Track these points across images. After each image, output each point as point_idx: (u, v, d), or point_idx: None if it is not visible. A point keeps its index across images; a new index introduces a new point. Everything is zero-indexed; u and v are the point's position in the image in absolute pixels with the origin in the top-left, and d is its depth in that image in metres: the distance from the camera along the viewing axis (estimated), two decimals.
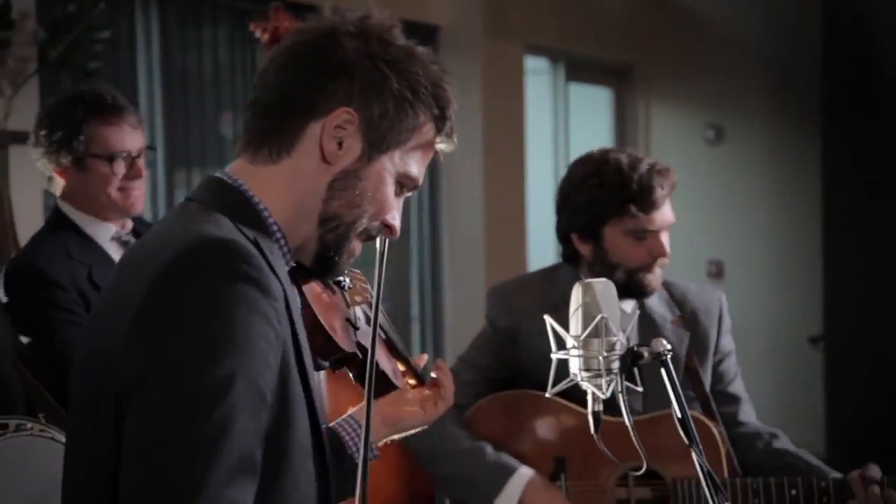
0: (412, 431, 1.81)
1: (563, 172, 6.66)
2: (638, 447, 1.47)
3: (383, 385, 1.69)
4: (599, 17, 6.10)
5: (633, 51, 6.40)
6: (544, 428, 2.51)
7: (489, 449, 2.50)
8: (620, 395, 1.49)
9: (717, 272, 6.47)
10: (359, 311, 1.61)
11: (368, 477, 1.38)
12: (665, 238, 2.49)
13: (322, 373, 1.76)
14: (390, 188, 1.45)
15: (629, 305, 2.53)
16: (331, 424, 1.67)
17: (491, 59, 5.32)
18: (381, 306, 1.49)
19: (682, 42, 6.48)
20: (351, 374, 1.62)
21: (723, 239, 6.51)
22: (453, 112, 1.48)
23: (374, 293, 1.45)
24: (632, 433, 1.48)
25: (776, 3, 6.26)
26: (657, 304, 2.56)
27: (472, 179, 5.35)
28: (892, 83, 5.46)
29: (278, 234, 1.41)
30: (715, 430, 2.42)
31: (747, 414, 2.63)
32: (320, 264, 1.46)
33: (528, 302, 2.55)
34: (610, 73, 6.52)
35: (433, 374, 1.85)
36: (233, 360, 1.25)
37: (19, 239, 3.33)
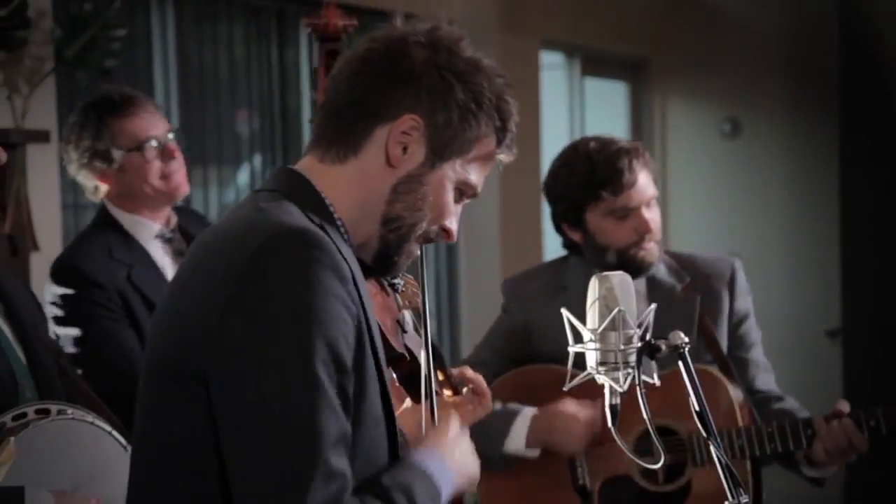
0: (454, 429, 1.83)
1: None
2: (652, 436, 1.47)
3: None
4: (615, 11, 6.08)
5: (649, 45, 6.38)
6: (560, 399, 2.50)
7: (496, 403, 2.49)
8: (638, 389, 1.49)
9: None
10: (407, 316, 1.66)
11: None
12: (650, 213, 2.53)
13: None
14: (450, 194, 1.53)
15: (639, 284, 2.54)
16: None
17: (506, 53, 5.31)
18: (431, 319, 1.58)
19: (698, 36, 6.46)
20: (395, 376, 1.66)
21: (739, 233, 6.49)
22: (515, 124, 1.55)
23: (422, 299, 1.55)
24: (649, 426, 1.47)
25: None
26: (665, 274, 2.60)
27: (488, 174, 5.34)
28: None
29: (343, 230, 1.48)
30: (725, 381, 2.45)
31: (764, 381, 2.64)
32: (380, 263, 1.54)
33: (537, 287, 2.63)
34: (626, 67, 6.50)
35: (467, 387, 1.93)
36: (319, 346, 1.33)
37: (37, 237, 3.34)
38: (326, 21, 2.57)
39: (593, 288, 1.51)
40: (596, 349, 1.48)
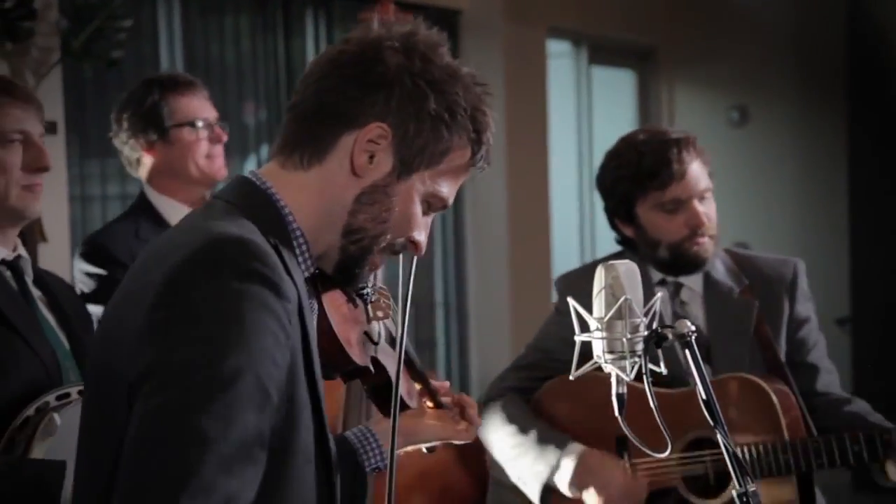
0: (430, 444, 1.80)
1: (586, 156, 6.65)
2: (662, 429, 1.47)
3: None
4: None
5: (657, 33, 6.36)
6: (607, 408, 2.43)
7: (543, 430, 2.48)
8: (645, 377, 1.48)
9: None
10: (381, 327, 1.61)
11: (395, 484, 1.39)
12: (703, 206, 2.46)
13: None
14: (418, 207, 1.47)
15: (695, 281, 2.51)
16: (344, 433, 1.69)
17: (513, 42, 5.29)
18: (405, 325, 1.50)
19: (705, 23, 6.43)
20: (365, 388, 1.63)
21: (748, 221, 6.47)
22: (490, 137, 1.48)
23: (401, 311, 1.47)
24: (656, 415, 1.47)
25: None
26: (723, 275, 2.53)
27: (495, 164, 5.32)
28: None
29: (301, 240, 1.43)
30: (768, 389, 2.37)
31: (826, 384, 2.54)
32: (341, 274, 1.48)
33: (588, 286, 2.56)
34: (633, 55, 6.49)
35: (448, 400, 1.84)
36: (239, 357, 1.25)
37: (45, 228, 3.35)
38: (381, 17, 2.58)
39: (599, 277, 1.50)
40: (602, 338, 1.48)
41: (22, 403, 1.86)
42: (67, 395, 1.89)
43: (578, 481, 2.43)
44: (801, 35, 6.27)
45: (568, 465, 2.44)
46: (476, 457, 2.69)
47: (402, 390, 1.66)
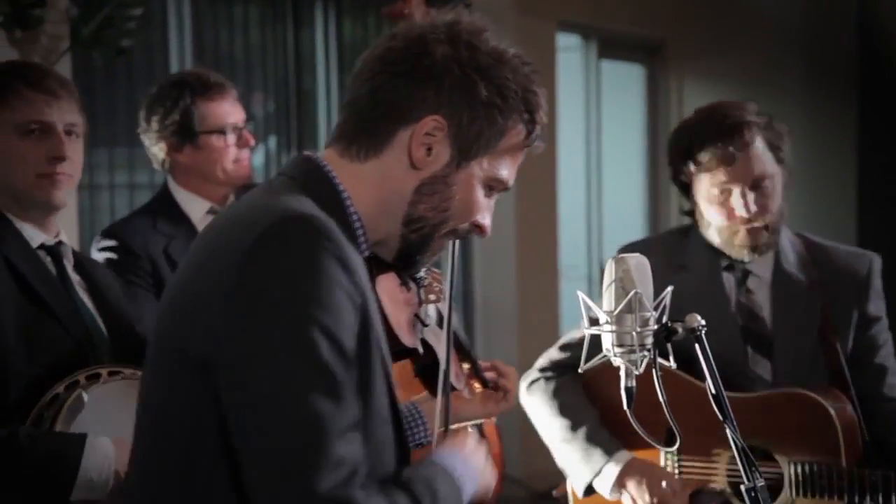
0: (469, 423, 1.86)
1: (594, 150, 6.62)
2: (672, 424, 1.46)
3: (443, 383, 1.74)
4: None
5: (666, 27, 6.35)
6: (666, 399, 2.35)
7: (595, 425, 2.46)
8: (654, 371, 1.48)
9: None
10: (432, 310, 1.65)
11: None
12: (756, 194, 2.33)
13: None
14: (479, 192, 1.49)
15: (764, 269, 2.43)
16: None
17: (522, 36, 5.28)
18: (453, 308, 1.57)
19: (715, 18, 6.42)
20: (413, 368, 1.68)
21: None
22: (543, 115, 1.51)
23: (447, 295, 1.53)
24: (665, 409, 1.47)
25: None
26: (793, 265, 2.44)
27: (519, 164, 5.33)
28: None
29: (358, 224, 1.47)
30: (832, 411, 2.28)
31: (893, 387, 2.44)
32: (401, 261, 1.52)
33: (653, 263, 2.45)
34: (642, 49, 6.47)
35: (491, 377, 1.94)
36: (327, 333, 1.31)
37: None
38: (405, 10, 2.57)
39: (609, 270, 1.50)
40: (612, 331, 1.47)
41: (53, 381, 1.92)
42: (98, 374, 1.95)
43: (620, 485, 2.43)
44: (810, 30, 6.25)
45: (611, 472, 2.43)
46: (495, 450, 2.69)
47: (453, 371, 1.72)
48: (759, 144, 2.34)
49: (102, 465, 1.85)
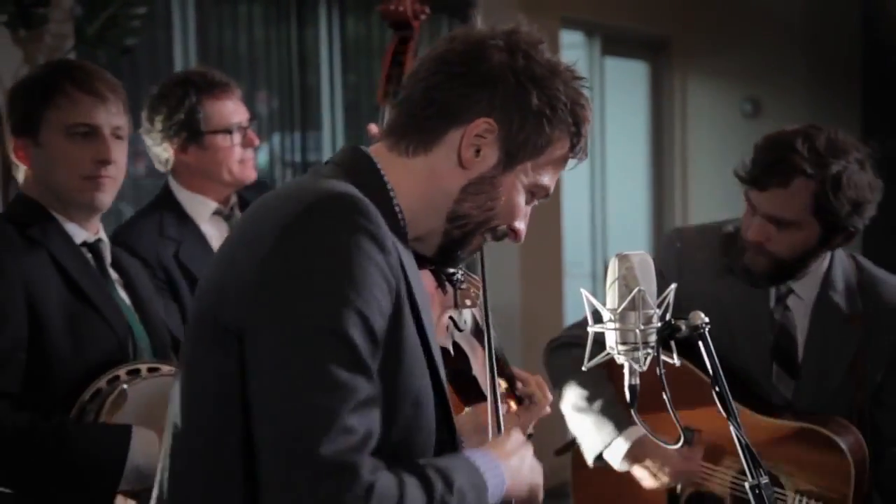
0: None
1: (598, 147, 6.61)
2: (676, 423, 1.46)
3: (473, 391, 1.72)
4: None
5: (669, 24, 6.34)
6: (685, 398, 2.17)
7: (614, 399, 2.47)
8: (658, 369, 1.48)
9: None
10: (468, 315, 1.66)
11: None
12: (767, 227, 2.31)
13: None
14: (521, 196, 1.53)
15: (808, 291, 2.41)
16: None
17: None
18: (492, 322, 1.58)
19: (718, 14, 6.41)
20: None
21: None
22: (589, 129, 1.54)
23: (483, 300, 1.57)
24: (669, 408, 1.47)
25: None
26: (840, 293, 2.41)
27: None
28: None
29: (400, 216, 1.50)
30: (848, 455, 2.28)
31: None
32: (441, 256, 1.55)
33: (704, 259, 2.44)
34: (646, 46, 6.47)
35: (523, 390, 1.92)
36: (354, 307, 1.34)
37: None
38: (400, 8, 2.56)
39: (613, 267, 1.50)
40: (616, 329, 1.47)
41: (96, 376, 1.96)
42: (138, 370, 1.98)
43: (631, 458, 2.46)
44: (815, 27, 6.24)
45: (621, 447, 2.46)
46: None
47: (480, 378, 1.68)
48: (797, 191, 2.27)
49: (150, 454, 1.88)
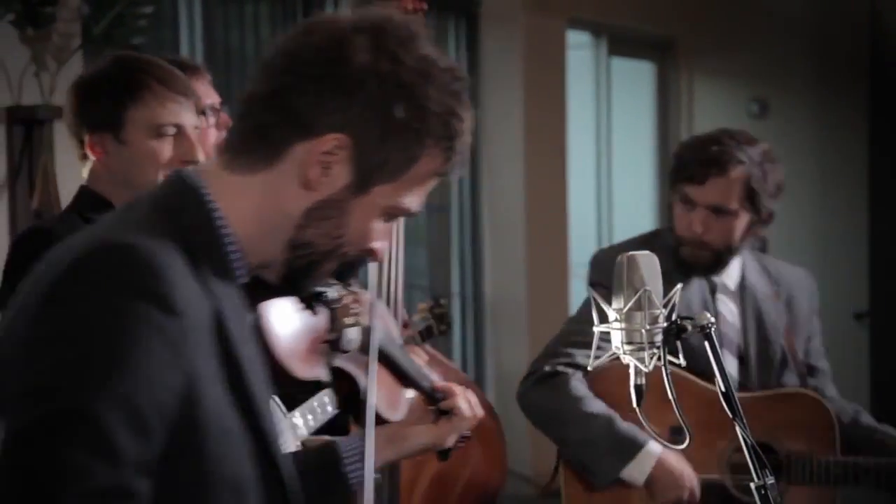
0: (420, 450, 1.72)
1: (604, 148, 6.65)
2: (681, 420, 1.46)
3: (364, 412, 1.51)
4: None
5: (676, 24, 6.34)
6: (665, 397, 2.41)
7: (618, 418, 2.49)
8: (664, 369, 1.48)
9: (760, 248, 6.40)
10: (354, 333, 1.45)
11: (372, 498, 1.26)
12: (709, 219, 2.49)
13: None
14: (378, 220, 1.32)
15: (729, 279, 2.59)
16: (336, 440, 1.58)
17: (532, 33, 5.28)
18: (395, 332, 1.44)
19: (725, 15, 6.40)
20: (336, 398, 1.54)
21: None
22: (465, 144, 1.33)
23: (370, 318, 1.34)
24: (675, 406, 1.47)
25: None
26: (757, 277, 2.62)
27: (513, 155, 5.33)
28: None
29: (232, 248, 1.29)
30: (830, 407, 2.51)
31: (832, 390, 2.69)
32: (286, 286, 1.35)
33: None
34: (652, 47, 6.46)
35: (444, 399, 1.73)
36: (115, 383, 1.14)
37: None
38: (400, 4, 2.56)
39: (619, 268, 1.50)
40: (621, 329, 1.47)
41: None
42: None
43: (659, 466, 2.45)
44: (822, 27, 6.23)
45: (649, 456, 2.46)
46: (498, 447, 2.69)
47: (381, 400, 1.52)
48: (734, 180, 2.47)
49: None
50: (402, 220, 2.26)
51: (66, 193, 3.44)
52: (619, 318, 1.47)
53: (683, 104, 6.53)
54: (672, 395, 1.47)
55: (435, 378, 1.74)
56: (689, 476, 2.45)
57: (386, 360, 1.50)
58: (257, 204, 1.29)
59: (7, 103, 3.43)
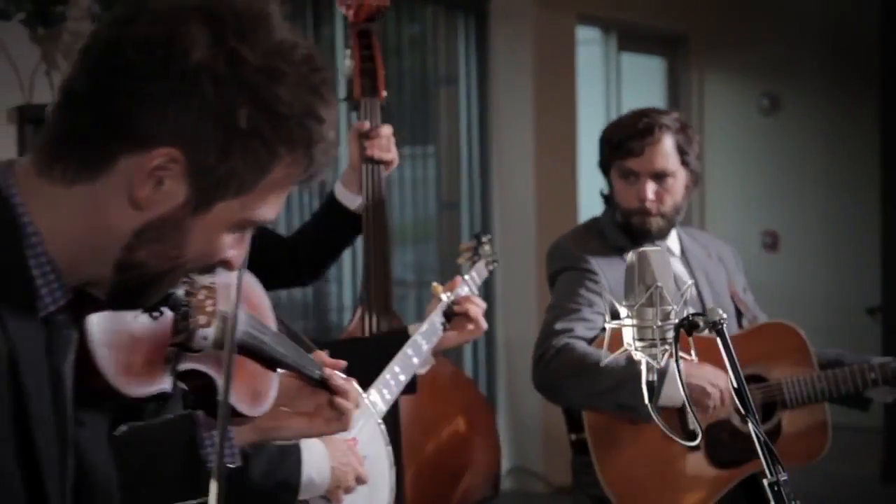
0: (293, 438, 1.63)
1: None
2: (693, 417, 1.46)
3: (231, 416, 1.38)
4: None
5: (687, 19, 6.32)
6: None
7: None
8: (676, 367, 1.48)
9: (772, 243, 6.39)
10: (211, 331, 1.28)
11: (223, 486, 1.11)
12: (655, 184, 2.66)
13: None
14: (224, 236, 1.15)
15: (674, 246, 2.78)
16: (200, 414, 1.43)
17: (542, 29, 5.27)
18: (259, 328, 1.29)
19: (736, 9, 6.39)
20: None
21: (778, 209, 6.43)
22: (326, 147, 1.15)
23: (231, 321, 1.19)
24: (687, 404, 1.46)
25: None
26: (691, 243, 2.83)
27: (523, 152, 5.33)
28: None
29: (46, 268, 1.12)
30: (799, 330, 2.71)
31: None
32: (117, 304, 1.18)
33: (593, 247, 2.75)
34: (663, 42, 6.45)
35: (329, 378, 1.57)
36: None
37: None
38: (362, 1, 2.55)
39: (630, 264, 1.50)
40: (633, 325, 1.47)
41: None
42: None
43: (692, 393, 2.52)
44: (833, 22, 6.21)
45: (675, 383, 2.48)
46: (489, 440, 2.73)
47: (242, 395, 1.37)
48: (667, 144, 2.66)
49: (321, 464, 1.78)
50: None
51: None
52: (630, 314, 1.47)
53: (694, 100, 6.52)
54: (685, 393, 1.47)
55: (324, 358, 1.60)
56: (713, 378, 2.50)
57: (250, 350, 1.36)
58: (77, 220, 1.11)
59: (18, 102, 3.43)
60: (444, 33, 5.23)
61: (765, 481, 1.45)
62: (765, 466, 1.43)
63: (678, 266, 2.76)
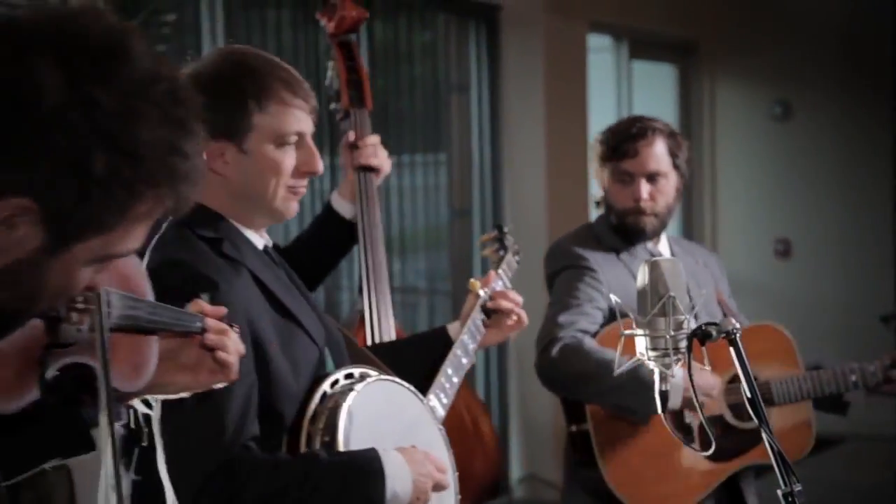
0: (179, 392, 1.49)
1: None
2: (705, 426, 1.46)
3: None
4: None
5: (698, 27, 6.32)
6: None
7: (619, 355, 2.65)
8: (689, 376, 1.48)
9: (784, 251, 6.38)
10: (85, 326, 1.22)
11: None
12: (650, 186, 2.76)
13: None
14: (84, 272, 1.13)
15: (664, 250, 2.88)
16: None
17: (553, 37, 5.27)
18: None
19: (747, 16, 6.38)
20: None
21: (790, 217, 6.41)
22: (191, 179, 1.12)
23: (98, 332, 1.15)
24: (700, 414, 1.46)
25: None
26: (678, 250, 2.92)
27: (535, 159, 5.33)
28: None
29: None
30: (786, 332, 2.82)
31: None
32: None
33: (591, 246, 2.86)
34: (674, 49, 6.45)
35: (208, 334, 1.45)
36: None
37: None
38: (343, 14, 2.57)
39: (643, 273, 1.50)
40: (646, 335, 1.47)
41: (307, 395, 1.79)
42: (337, 381, 1.82)
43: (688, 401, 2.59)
44: (846, 29, 6.20)
45: (677, 391, 2.56)
46: (490, 443, 2.76)
47: (122, 371, 1.30)
48: (659, 147, 2.78)
49: (404, 476, 1.76)
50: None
51: None
52: (642, 324, 1.47)
53: (706, 107, 6.51)
54: (697, 401, 1.47)
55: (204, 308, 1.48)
56: (707, 387, 2.64)
57: (125, 328, 1.31)
58: None
59: None
60: (456, 41, 5.24)
61: (779, 492, 1.44)
62: (779, 477, 1.43)
63: None
